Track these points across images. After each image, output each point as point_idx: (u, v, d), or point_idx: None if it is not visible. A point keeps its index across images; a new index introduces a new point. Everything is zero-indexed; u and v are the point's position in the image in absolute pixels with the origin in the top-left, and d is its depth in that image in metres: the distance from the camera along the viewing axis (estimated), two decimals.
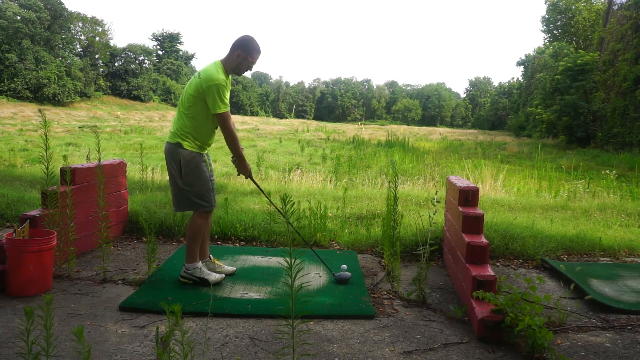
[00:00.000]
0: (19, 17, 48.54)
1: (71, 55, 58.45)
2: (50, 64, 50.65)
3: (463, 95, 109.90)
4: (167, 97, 68.62)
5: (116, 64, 64.68)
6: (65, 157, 10.33)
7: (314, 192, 7.40)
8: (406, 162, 14.50)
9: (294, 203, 2.15)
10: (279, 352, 2.59)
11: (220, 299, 3.35)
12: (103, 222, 3.73)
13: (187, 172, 3.51)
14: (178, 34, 77.14)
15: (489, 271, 3.16)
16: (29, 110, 39.33)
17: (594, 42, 36.18)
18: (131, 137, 23.24)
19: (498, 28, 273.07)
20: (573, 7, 44.14)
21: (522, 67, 59.97)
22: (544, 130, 35.37)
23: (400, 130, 45.19)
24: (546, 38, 49.49)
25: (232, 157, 3.71)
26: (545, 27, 48.22)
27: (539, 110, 35.68)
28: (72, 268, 3.80)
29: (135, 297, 3.31)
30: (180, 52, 79.02)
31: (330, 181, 9.78)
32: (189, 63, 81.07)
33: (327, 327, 3.02)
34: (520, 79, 63.61)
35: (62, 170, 3.92)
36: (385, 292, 3.65)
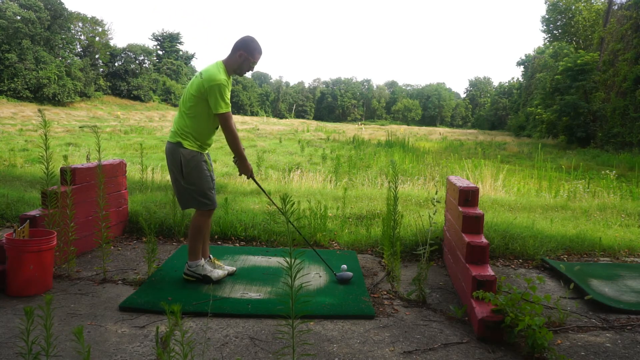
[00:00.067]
0: (19, 17, 48.54)
1: (71, 55, 58.46)
2: (50, 64, 50.66)
3: (463, 95, 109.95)
4: (167, 97, 68.62)
5: (116, 64, 64.68)
6: (65, 157, 10.33)
7: (314, 192, 7.40)
8: (406, 162, 14.50)
9: (294, 203, 2.15)
10: (279, 352, 2.59)
11: (220, 299, 3.35)
12: (103, 222, 3.73)
13: (188, 171, 3.53)
14: (178, 34, 77.18)
15: (489, 271, 3.16)
16: (29, 110, 39.34)
17: (594, 42, 36.18)
18: (131, 137, 23.24)
19: (498, 28, 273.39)
20: (573, 7, 44.14)
21: (522, 67, 60.01)
22: (544, 130, 35.37)
23: (400, 130, 45.18)
24: (546, 38, 49.55)
25: (234, 158, 3.72)
26: (545, 27, 48.25)
27: (539, 110, 35.68)
28: (72, 268, 3.80)
29: (135, 297, 3.31)
30: (180, 52, 79.02)
31: (330, 181, 9.78)
32: (189, 63, 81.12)
33: (327, 327, 3.02)
34: (520, 79, 63.64)
35: (62, 170, 3.92)
36: (385, 292, 3.65)
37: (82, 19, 60.35)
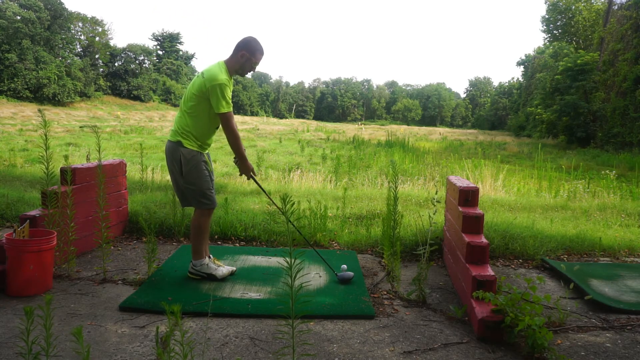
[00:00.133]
0: (19, 17, 48.54)
1: (71, 55, 58.47)
2: (50, 64, 50.67)
3: (463, 95, 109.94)
4: (167, 97, 68.62)
5: (116, 64, 64.69)
6: (65, 157, 10.33)
7: (314, 192, 7.41)
8: (406, 162, 14.50)
9: (294, 203, 2.15)
10: (279, 352, 2.59)
11: (220, 299, 3.35)
12: (103, 222, 3.73)
13: (187, 171, 3.54)
14: (178, 34, 77.17)
15: (489, 271, 3.16)
16: (29, 110, 39.34)
17: (594, 42, 36.19)
18: (131, 137, 23.24)
19: (498, 28, 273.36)
20: (573, 7, 44.16)
21: (522, 67, 59.98)
22: (544, 130, 35.37)
23: (400, 130, 45.18)
24: (546, 38, 49.56)
25: (234, 158, 3.73)
26: (545, 27, 48.27)
27: (539, 110, 35.68)
28: (72, 268, 3.80)
29: (135, 297, 3.31)
30: (180, 52, 79.02)
31: (330, 181, 9.78)
32: (189, 63, 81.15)
33: (327, 327, 3.02)
34: (520, 79, 63.62)
35: (62, 170, 3.92)
36: (385, 292, 3.65)
37: (82, 19, 60.37)
